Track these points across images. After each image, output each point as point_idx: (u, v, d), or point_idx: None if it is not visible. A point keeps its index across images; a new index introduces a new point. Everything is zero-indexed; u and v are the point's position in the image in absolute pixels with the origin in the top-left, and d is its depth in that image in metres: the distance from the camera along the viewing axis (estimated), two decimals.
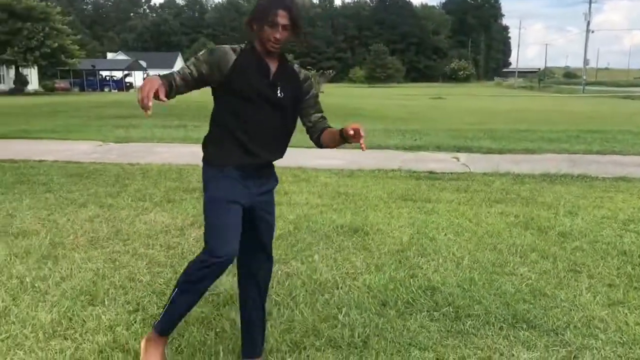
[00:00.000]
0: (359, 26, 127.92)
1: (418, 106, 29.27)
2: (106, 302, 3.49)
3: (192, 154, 9.83)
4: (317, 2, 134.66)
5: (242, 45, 2.58)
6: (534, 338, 3.10)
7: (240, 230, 2.53)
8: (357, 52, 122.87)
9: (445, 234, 5.02)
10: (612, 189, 7.12)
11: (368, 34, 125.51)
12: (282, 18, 2.44)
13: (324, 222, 5.32)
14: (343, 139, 2.55)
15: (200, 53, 2.56)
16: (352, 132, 2.43)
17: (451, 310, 3.42)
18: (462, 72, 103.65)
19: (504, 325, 3.24)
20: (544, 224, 5.36)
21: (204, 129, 2.71)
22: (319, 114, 2.74)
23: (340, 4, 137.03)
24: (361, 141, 2.44)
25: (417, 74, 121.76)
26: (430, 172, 8.17)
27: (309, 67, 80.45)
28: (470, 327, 3.22)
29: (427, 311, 3.42)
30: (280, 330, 3.15)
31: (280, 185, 7.24)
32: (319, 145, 2.75)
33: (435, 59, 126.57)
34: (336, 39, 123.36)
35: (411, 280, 3.90)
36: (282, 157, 2.69)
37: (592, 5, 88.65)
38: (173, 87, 2.42)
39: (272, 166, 2.73)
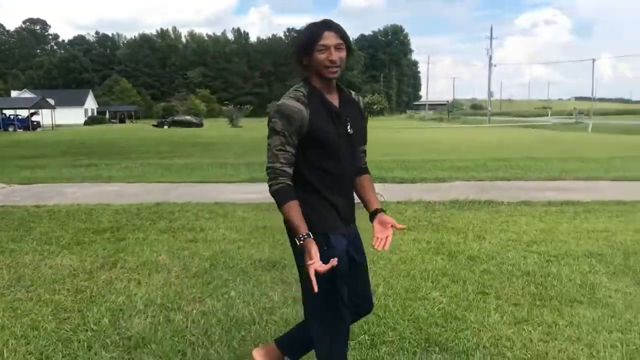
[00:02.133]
0: (275, 62, 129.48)
1: None
2: (5, 355, 3.27)
3: (102, 193, 9.51)
4: (232, 38, 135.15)
5: (303, 90, 2.33)
6: None
7: None
8: (274, 88, 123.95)
9: None
10: (516, 213, 7.50)
11: (285, 69, 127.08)
12: (331, 38, 2.28)
13: (241, 258, 5.26)
14: (370, 215, 2.52)
15: (279, 125, 2.27)
16: (390, 227, 2.43)
17: (367, 338, 3.46)
18: (375, 106, 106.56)
19: (417, 350, 3.31)
20: (453, 249, 5.56)
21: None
22: (365, 145, 2.57)
23: (256, 41, 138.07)
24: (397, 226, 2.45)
25: None
26: None
27: (226, 102, 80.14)
28: (386, 354, 3.26)
29: None
30: None
31: (196, 222, 7.11)
32: None
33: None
34: (253, 75, 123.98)
35: None
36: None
37: (494, 41, 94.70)
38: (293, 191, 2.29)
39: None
